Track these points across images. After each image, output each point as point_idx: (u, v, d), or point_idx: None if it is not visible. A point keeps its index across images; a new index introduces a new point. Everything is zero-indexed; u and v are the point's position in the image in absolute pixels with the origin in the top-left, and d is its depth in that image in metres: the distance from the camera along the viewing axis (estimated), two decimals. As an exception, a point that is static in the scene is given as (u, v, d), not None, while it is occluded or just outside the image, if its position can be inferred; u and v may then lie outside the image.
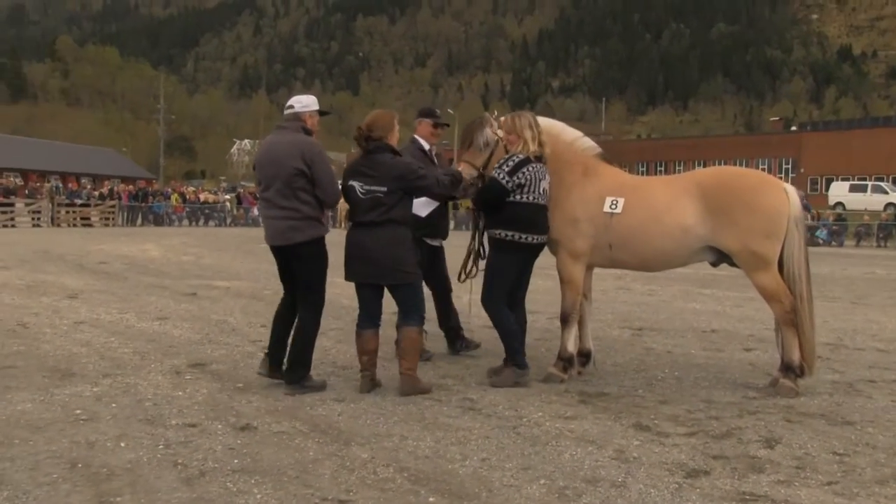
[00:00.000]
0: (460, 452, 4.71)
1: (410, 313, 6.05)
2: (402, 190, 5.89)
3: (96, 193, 39.77)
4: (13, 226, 33.97)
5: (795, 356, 6.18)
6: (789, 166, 66.63)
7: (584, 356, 6.83)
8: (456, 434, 5.06)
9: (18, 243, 22.24)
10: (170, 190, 44.38)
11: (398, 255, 5.90)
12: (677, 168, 71.01)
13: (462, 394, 6.09)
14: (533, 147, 6.13)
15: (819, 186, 60.64)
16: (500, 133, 6.33)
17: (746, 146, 69.84)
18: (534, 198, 6.19)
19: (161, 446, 4.71)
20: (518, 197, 6.14)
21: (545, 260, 6.69)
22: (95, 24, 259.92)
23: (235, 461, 4.49)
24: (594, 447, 4.83)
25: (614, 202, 6.27)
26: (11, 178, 41.06)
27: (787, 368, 6.22)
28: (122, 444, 4.72)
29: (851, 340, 8.84)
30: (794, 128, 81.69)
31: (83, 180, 46.75)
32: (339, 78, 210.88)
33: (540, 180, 6.20)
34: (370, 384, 6.09)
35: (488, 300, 6.34)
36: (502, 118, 6.39)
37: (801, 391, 6.21)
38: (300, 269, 6.16)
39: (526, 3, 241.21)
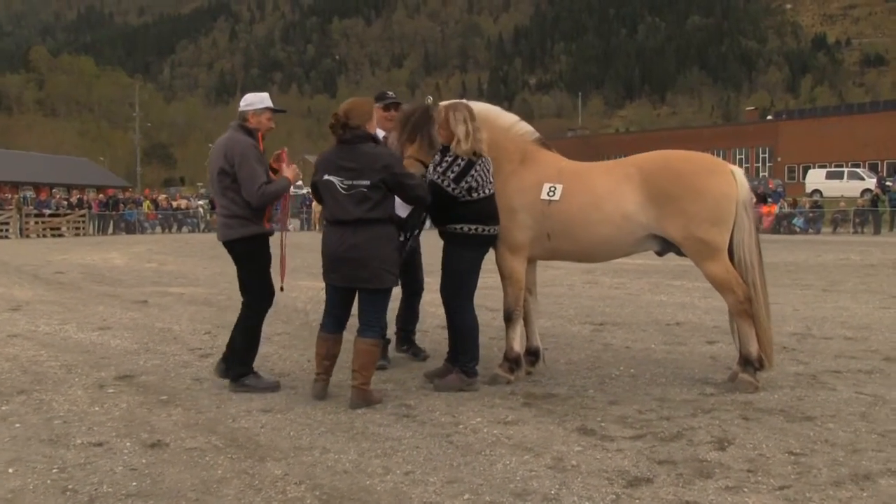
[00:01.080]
0: (383, 465, 4.32)
1: (373, 324, 5.57)
2: (386, 183, 5.39)
3: (65, 203, 38.99)
4: (-20, 238, 33.25)
5: (753, 348, 5.83)
6: (766, 155, 66.72)
7: (533, 355, 6.47)
8: (383, 445, 4.67)
9: (-22, 256, 21.66)
10: (142, 197, 43.72)
11: (385, 256, 5.44)
12: (655, 161, 71.06)
13: (400, 399, 5.70)
14: (465, 146, 5.67)
15: (796, 174, 60.70)
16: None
17: (723, 137, 69.81)
18: (489, 190, 5.84)
19: (55, 470, 4.29)
20: (475, 195, 5.77)
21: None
22: (70, 34, 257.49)
23: (133, 484, 4.08)
24: (531, 455, 4.45)
25: (552, 189, 5.89)
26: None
27: (745, 362, 5.87)
28: (11, 470, 4.29)
29: (819, 329, 8.51)
30: (770, 117, 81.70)
31: (54, 190, 45.89)
32: (316, 81, 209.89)
33: (488, 171, 5.83)
34: (324, 389, 5.69)
35: (455, 299, 5.95)
36: (439, 105, 5.97)
37: (762, 385, 5.86)
38: (236, 267, 6.08)
39: (501, 1, 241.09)
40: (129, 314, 10.11)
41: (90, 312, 10.28)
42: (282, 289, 6.27)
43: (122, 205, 39.94)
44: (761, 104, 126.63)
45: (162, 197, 45.55)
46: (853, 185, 43.25)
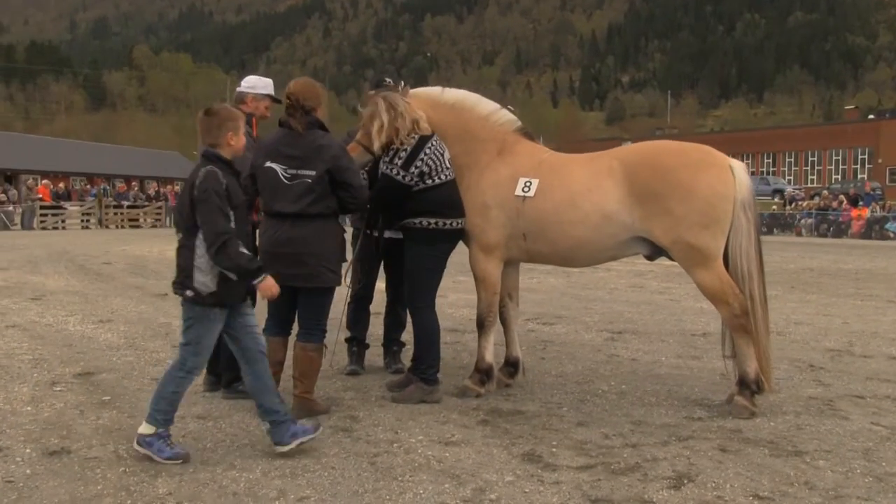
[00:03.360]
0: (279, 488, 3.82)
1: (313, 328, 5.05)
2: (330, 175, 4.88)
3: (143, 196, 39.86)
4: (63, 228, 34.25)
5: (751, 368, 5.11)
6: (866, 156, 63.37)
7: (512, 366, 5.87)
8: (297, 463, 4.18)
9: (47, 245, 22.13)
10: (220, 191, 44.37)
11: (326, 253, 4.92)
12: (745, 161, 68.46)
13: (349, 411, 5.20)
14: (380, 140, 5.20)
15: (898, 177, 57.52)
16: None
17: (820, 137, 66.60)
18: (445, 176, 5.29)
19: (-70, 478, 3.95)
20: (429, 182, 5.24)
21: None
22: (172, 32, 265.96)
23: (-4, 499, 3.69)
24: (452, 484, 3.89)
25: (527, 184, 5.28)
26: (61, 184, 41.50)
27: (741, 383, 5.15)
28: None
29: (863, 346, 7.62)
30: (871, 116, 77.67)
31: (133, 183, 46.96)
32: (407, 78, 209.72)
33: (442, 154, 5.30)
34: None
35: (414, 300, 5.46)
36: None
37: (759, 410, 5.13)
38: None
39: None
40: (141, 307, 9.92)
41: (104, 305, 10.12)
42: None
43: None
44: (866, 103, 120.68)
45: (240, 191, 46.09)
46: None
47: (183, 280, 4.25)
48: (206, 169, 4.24)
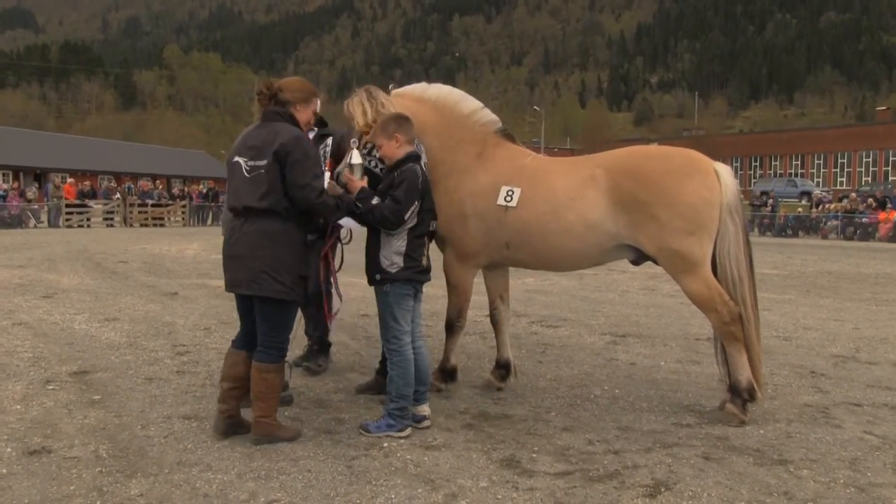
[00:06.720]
0: (251, 491, 3.81)
1: (267, 345, 4.56)
2: (279, 162, 4.39)
3: (166, 194, 40.17)
4: (88, 226, 34.63)
5: (743, 376, 5.01)
6: (896, 159, 62.50)
7: (503, 368, 5.82)
8: (273, 465, 4.16)
9: (68, 243, 22.40)
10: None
11: (274, 257, 4.40)
12: (773, 163, 67.77)
13: (336, 413, 5.18)
14: (363, 120, 5.06)
15: (931, 180, 56.59)
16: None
17: (850, 138, 65.72)
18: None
19: None
20: None
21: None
22: (202, 31, 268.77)
23: (-33, 498, 3.71)
24: (425, 489, 3.85)
25: (509, 193, 5.20)
26: (87, 183, 41.87)
27: (732, 391, 5.07)
28: None
29: (870, 352, 7.48)
30: (904, 117, 76.41)
31: (157, 182, 47.27)
32: (435, 78, 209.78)
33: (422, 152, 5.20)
34: (226, 424, 4.64)
35: None
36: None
37: (753, 417, 5.05)
38: None
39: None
40: (149, 306, 9.96)
41: (112, 303, 10.19)
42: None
43: (220, 196, 40.84)
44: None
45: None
46: None
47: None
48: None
